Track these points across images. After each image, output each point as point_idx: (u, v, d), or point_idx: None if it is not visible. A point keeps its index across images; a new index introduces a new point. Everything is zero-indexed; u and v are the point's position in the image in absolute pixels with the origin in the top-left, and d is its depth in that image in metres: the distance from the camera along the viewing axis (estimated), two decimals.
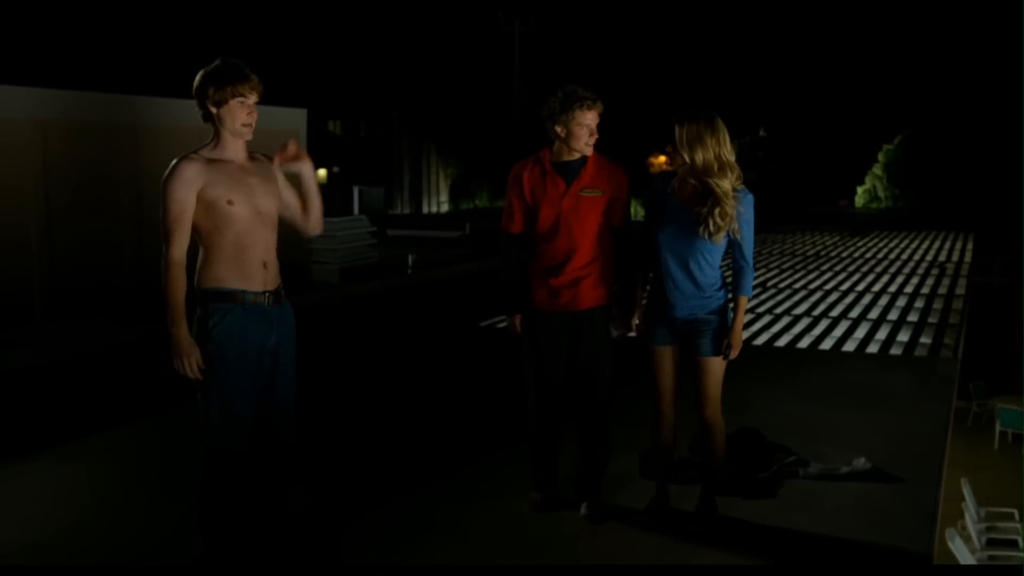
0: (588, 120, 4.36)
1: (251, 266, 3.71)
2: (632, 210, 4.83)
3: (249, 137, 3.78)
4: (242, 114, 3.70)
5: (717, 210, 4.18)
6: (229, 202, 3.65)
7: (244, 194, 3.69)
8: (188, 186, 3.61)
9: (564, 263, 4.46)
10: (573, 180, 4.44)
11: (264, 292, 3.74)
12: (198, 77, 3.72)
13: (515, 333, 4.69)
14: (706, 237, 4.22)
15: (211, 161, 3.69)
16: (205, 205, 3.63)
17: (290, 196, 3.97)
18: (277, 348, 3.79)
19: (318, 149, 30.15)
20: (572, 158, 4.45)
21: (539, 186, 4.49)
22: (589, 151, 4.44)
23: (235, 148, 3.75)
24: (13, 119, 11.27)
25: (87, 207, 12.28)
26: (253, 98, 3.72)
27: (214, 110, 3.69)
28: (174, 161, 3.67)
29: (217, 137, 3.74)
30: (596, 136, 4.41)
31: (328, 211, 4.64)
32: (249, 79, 3.70)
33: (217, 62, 3.73)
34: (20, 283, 11.34)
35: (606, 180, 4.45)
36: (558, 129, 4.39)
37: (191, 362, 3.59)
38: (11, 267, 11.26)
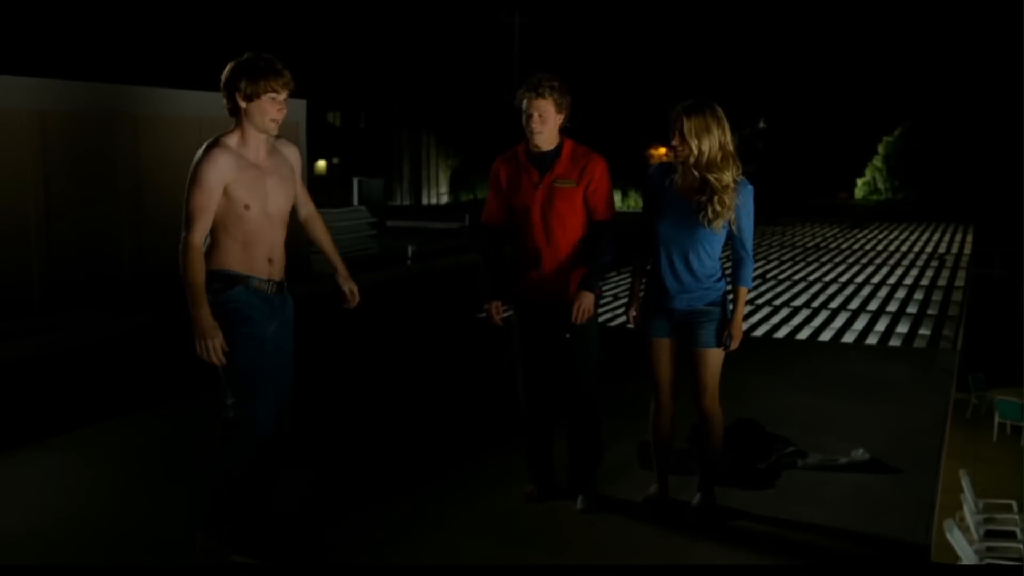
0: (526, 107, 4.36)
1: (257, 260, 3.74)
2: (633, 201, 4.82)
3: (275, 133, 3.76)
4: (272, 110, 3.67)
5: (716, 197, 4.20)
6: (246, 207, 3.66)
7: (259, 198, 3.70)
8: (220, 176, 3.61)
9: (543, 254, 4.46)
10: (547, 171, 4.44)
11: (268, 280, 3.77)
12: (228, 69, 3.68)
13: (492, 321, 4.54)
14: (705, 224, 4.22)
15: (239, 157, 3.67)
16: (224, 201, 3.64)
17: (298, 189, 3.99)
18: (276, 336, 3.79)
19: (318, 140, 30.13)
20: (546, 148, 4.45)
21: (514, 178, 4.51)
22: (538, 139, 4.39)
23: (257, 143, 3.73)
24: (11, 109, 11.24)
25: (86, 197, 12.26)
26: (284, 94, 3.69)
27: (244, 104, 3.65)
28: (207, 146, 3.65)
29: (242, 130, 3.70)
30: (547, 124, 4.36)
31: (328, 202, 4.67)
32: (282, 75, 3.67)
33: (248, 55, 3.69)
34: (19, 274, 11.33)
35: (580, 170, 4.44)
36: (523, 118, 4.41)
37: (215, 344, 3.55)
38: (10, 258, 11.25)
